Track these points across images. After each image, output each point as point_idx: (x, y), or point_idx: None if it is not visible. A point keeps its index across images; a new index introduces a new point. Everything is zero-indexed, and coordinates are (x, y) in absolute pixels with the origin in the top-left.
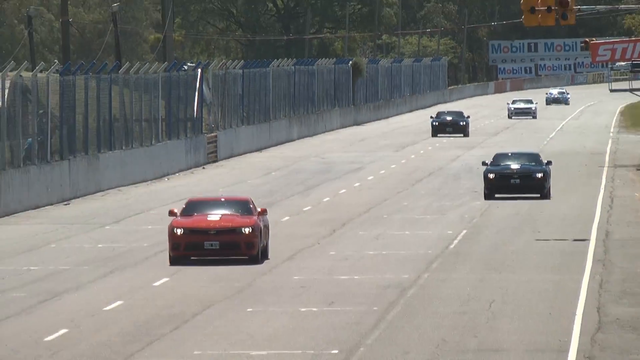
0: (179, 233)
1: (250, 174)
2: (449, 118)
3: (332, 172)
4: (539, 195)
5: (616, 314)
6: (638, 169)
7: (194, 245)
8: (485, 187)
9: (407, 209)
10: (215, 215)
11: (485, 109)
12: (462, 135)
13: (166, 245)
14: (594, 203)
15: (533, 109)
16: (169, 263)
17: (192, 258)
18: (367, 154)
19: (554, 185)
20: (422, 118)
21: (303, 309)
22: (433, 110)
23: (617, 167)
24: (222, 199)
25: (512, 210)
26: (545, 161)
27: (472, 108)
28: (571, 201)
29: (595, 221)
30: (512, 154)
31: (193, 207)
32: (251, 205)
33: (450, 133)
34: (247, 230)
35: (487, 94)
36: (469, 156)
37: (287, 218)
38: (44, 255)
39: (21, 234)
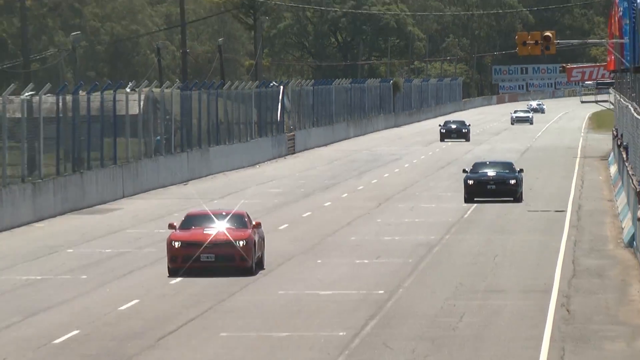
0: (176, 246)
1: (318, 162)
2: (453, 126)
3: (378, 161)
4: (512, 199)
5: (586, 265)
6: (602, 159)
7: (191, 258)
8: (465, 192)
9: (433, 188)
10: (211, 229)
11: (489, 116)
12: (464, 140)
13: (259, 211)
14: (570, 184)
15: (530, 117)
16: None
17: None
18: (403, 148)
19: (541, 170)
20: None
21: (357, 261)
22: (452, 117)
23: (586, 157)
24: (220, 213)
25: None
26: (518, 169)
27: (479, 115)
28: (553, 182)
29: (571, 197)
30: (489, 162)
31: (191, 220)
32: (246, 219)
33: (454, 139)
34: (241, 243)
35: (491, 104)
36: (477, 150)
37: (345, 195)
38: (169, 222)
39: (153, 206)
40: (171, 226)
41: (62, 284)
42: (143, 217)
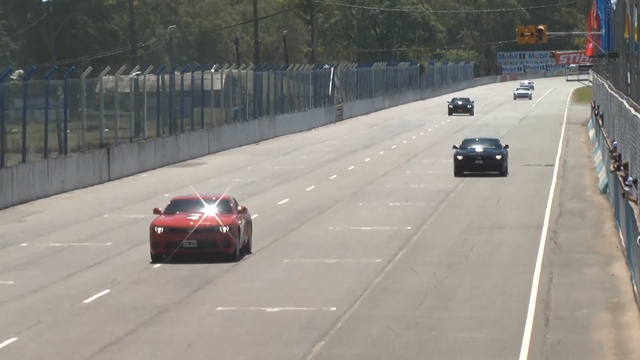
0: (159, 232)
1: (360, 127)
2: (460, 102)
3: (407, 126)
4: (497, 173)
5: (569, 207)
6: (582, 125)
7: (173, 244)
8: (455, 167)
9: (450, 147)
10: (195, 215)
11: (494, 91)
12: (468, 114)
13: (314, 164)
14: (557, 144)
15: (529, 93)
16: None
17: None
18: (427, 116)
19: (535, 134)
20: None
21: (390, 204)
22: (466, 92)
23: (570, 124)
24: (205, 198)
25: (510, 148)
26: (504, 145)
27: (487, 91)
28: (544, 143)
29: (558, 154)
30: (477, 139)
31: (176, 206)
32: (231, 204)
33: (460, 113)
34: (224, 229)
35: (495, 82)
36: (485, 117)
37: (381, 152)
38: (244, 173)
39: (231, 161)
40: (156, 211)
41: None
42: (224, 169)
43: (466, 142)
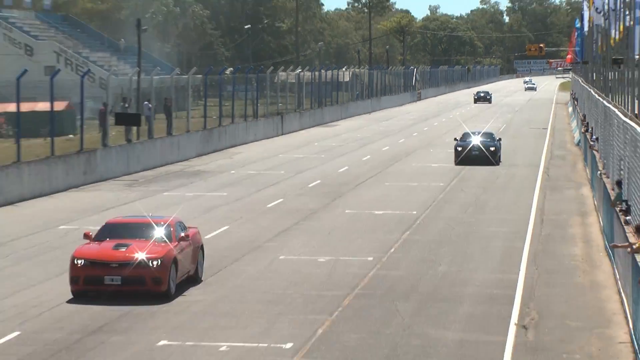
0: (78, 264)
1: (433, 106)
2: (482, 94)
3: (459, 104)
4: (493, 163)
5: (556, 154)
6: (565, 104)
7: (94, 280)
8: (455, 157)
9: (484, 118)
10: (123, 245)
11: (511, 85)
12: (488, 103)
13: (403, 127)
14: (549, 115)
15: (535, 86)
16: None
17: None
18: (471, 99)
19: (535, 110)
20: (488, 88)
21: (449, 150)
22: (492, 85)
23: (557, 103)
24: (144, 223)
25: (520, 118)
26: (498, 138)
27: (507, 83)
28: (542, 115)
29: (550, 121)
30: (473, 132)
31: (108, 231)
32: (172, 230)
33: (482, 102)
34: (154, 263)
35: (512, 79)
36: (506, 99)
37: (444, 120)
38: (362, 131)
39: (354, 124)
40: (86, 236)
41: (314, 158)
42: (351, 128)
43: (465, 135)
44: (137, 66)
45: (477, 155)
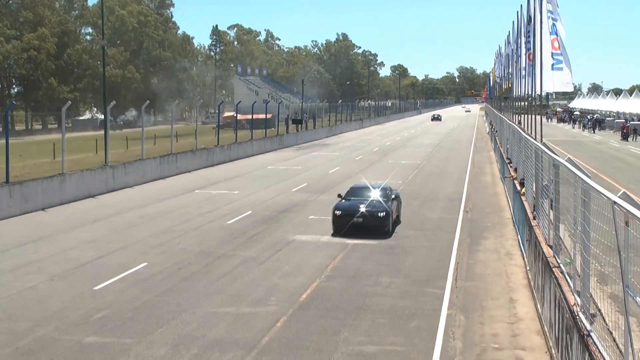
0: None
1: (428, 115)
2: (436, 115)
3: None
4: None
5: (479, 138)
6: (482, 116)
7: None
8: (333, 224)
9: (441, 124)
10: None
11: (458, 108)
12: (439, 121)
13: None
14: (475, 121)
15: (470, 110)
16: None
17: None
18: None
19: (469, 119)
20: (448, 109)
21: (416, 149)
22: (451, 108)
23: (479, 116)
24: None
25: (463, 124)
26: (393, 196)
27: (456, 107)
28: (471, 121)
29: (476, 124)
30: (362, 187)
31: (352, 191)
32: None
33: (436, 120)
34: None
35: (456, 106)
36: (452, 118)
37: (455, 125)
38: (387, 130)
39: (389, 126)
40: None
41: (375, 139)
42: (391, 126)
43: (350, 192)
44: (301, 99)
45: (361, 223)
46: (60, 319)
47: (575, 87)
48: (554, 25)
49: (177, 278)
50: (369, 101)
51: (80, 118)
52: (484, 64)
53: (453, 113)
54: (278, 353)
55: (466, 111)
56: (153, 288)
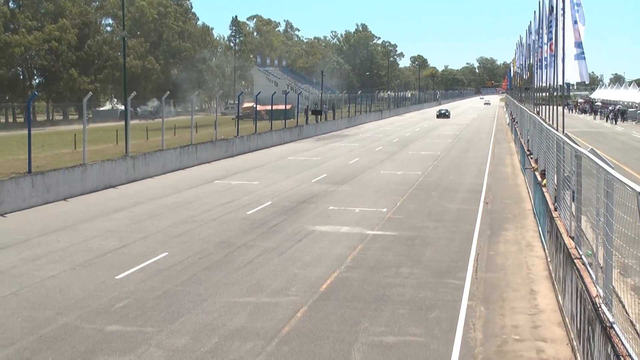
0: None
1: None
2: (443, 111)
3: (461, 105)
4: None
5: (499, 128)
6: (502, 107)
7: None
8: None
9: (470, 113)
10: None
11: (476, 101)
12: (447, 118)
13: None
14: (495, 113)
15: (490, 102)
16: None
17: None
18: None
19: (490, 110)
20: (469, 100)
21: (436, 140)
22: (471, 99)
23: (499, 107)
24: None
25: (481, 114)
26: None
27: (474, 101)
28: (492, 112)
29: (496, 115)
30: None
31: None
32: None
33: (442, 117)
34: None
35: (476, 97)
36: (470, 108)
37: (475, 116)
38: (407, 121)
39: (408, 117)
40: None
41: (395, 130)
42: (411, 117)
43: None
44: (321, 89)
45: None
46: (82, 307)
47: (596, 77)
48: (577, 13)
49: (197, 268)
50: (389, 92)
51: (101, 109)
52: (504, 54)
53: (473, 104)
54: (298, 343)
55: (485, 103)
56: (173, 278)
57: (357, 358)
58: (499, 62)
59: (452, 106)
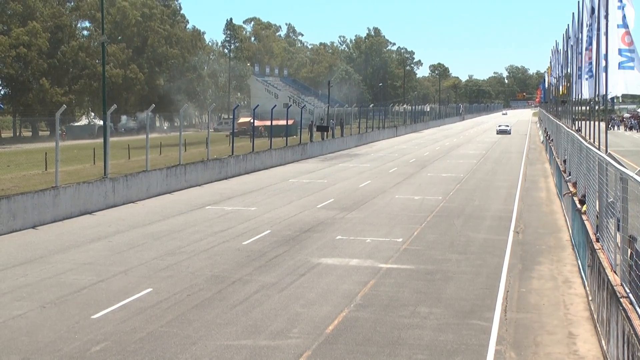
0: None
1: (471, 123)
2: (503, 127)
3: (483, 122)
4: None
5: (532, 147)
6: (535, 123)
7: None
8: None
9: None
10: None
11: (512, 116)
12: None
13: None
14: (528, 126)
15: (509, 128)
16: None
17: None
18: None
19: (521, 125)
20: (494, 115)
21: (459, 160)
22: (496, 114)
23: (532, 122)
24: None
25: (518, 125)
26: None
27: (513, 114)
28: (525, 127)
29: (529, 129)
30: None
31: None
32: None
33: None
34: None
35: (509, 110)
36: (514, 118)
37: (472, 130)
38: (425, 138)
39: (426, 134)
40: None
41: (412, 147)
42: (430, 134)
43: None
44: (328, 102)
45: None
46: (53, 351)
47: None
48: (624, 16)
49: (186, 306)
50: (405, 105)
51: (76, 124)
52: (537, 62)
53: (500, 119)
54: None
55: (502, 114)
56: (159, 317)
57: None
58: (532, 71)
59: (478, 121)
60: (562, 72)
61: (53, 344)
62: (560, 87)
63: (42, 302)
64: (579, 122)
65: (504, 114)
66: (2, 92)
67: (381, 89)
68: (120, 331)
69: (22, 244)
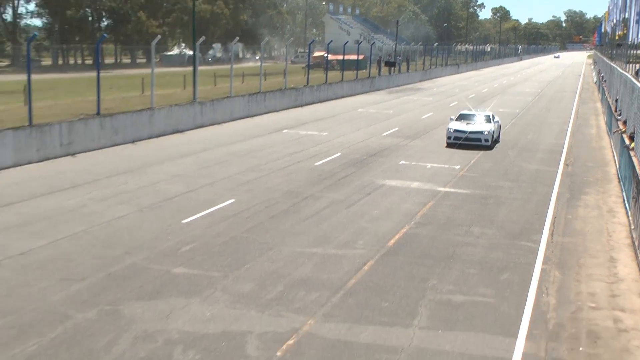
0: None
1: (528, 63)
2: (557, 56)
3: (540, 63)
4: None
5: (584, 87)
6: (589, 64)
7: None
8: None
9: (557, 67)
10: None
11: (567, 56)
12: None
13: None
14: (582, 68)
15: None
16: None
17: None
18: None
19: (576, 66)
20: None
21: (515, 97)
22: (566, 53)
23: (586, 63)
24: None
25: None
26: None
27: (568, 54)
28: (579, 69)
29: (582, 72)
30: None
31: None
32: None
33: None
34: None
35: (564, 52)
36: (562, 62)
37: (529, 70)
38: (485, 76)
39: (486, 72)
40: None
41: (472, 85)
42: (489, 72)
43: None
44: (395, 40)
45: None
46: (150, 248)
47: None
48: None
49: (264, 216)
50: (467, 45)
51: (169, 53)
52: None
53: (555, 61)
54: (364, 296)
55: (555, 56)
56: (240, 224)
57: (424, 315)
58: (589, 15)
59: (535, 62)
60: (619, 16)
61: (149, 242)
62: (617, 31)
63: (140, 206)
64: (634, 64)
65: (556, 57)
66: (105, 23)
67: (445, 29)
68: (207, 235)
69: (123, 156)
